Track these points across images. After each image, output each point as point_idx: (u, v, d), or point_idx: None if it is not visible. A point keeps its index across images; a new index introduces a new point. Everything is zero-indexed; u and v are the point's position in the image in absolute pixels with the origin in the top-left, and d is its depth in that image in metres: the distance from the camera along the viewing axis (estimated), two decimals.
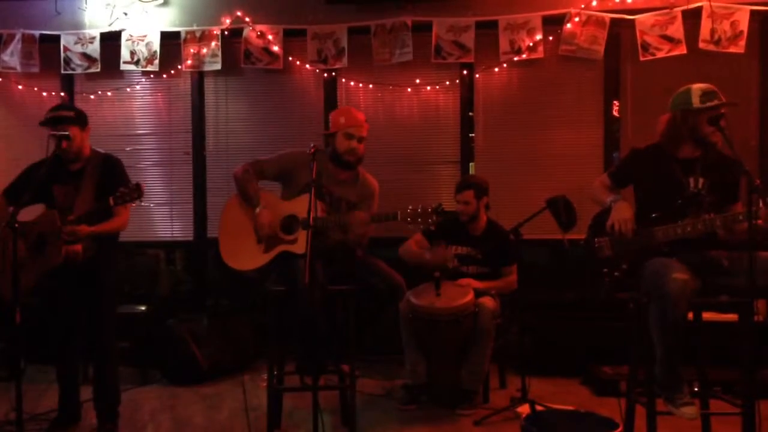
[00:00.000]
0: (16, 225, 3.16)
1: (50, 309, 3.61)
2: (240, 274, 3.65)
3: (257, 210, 3.63)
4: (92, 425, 3.69)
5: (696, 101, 3.05)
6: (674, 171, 3.10)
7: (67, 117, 3.55)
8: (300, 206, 3.54)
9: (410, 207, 3.36)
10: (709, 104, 3.03)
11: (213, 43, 5.34)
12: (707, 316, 3.20)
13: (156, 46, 5.38)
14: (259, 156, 3.85)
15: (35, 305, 3.58)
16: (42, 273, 3.48)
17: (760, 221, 2.75)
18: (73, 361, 3.72)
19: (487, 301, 3.95)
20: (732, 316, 2.99)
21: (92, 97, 5.58)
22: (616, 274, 3.10)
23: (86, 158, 3.63)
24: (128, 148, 5.51)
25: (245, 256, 3.62)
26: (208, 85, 5.59)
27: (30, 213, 3.53)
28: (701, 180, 3.06)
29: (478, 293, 3.97)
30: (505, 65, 5.23)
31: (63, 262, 3.43)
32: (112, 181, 3.57)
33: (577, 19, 5.01)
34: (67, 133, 3.47)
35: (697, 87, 3.09)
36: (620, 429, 2.88)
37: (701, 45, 4.86)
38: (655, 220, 3.04)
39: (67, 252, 3.43)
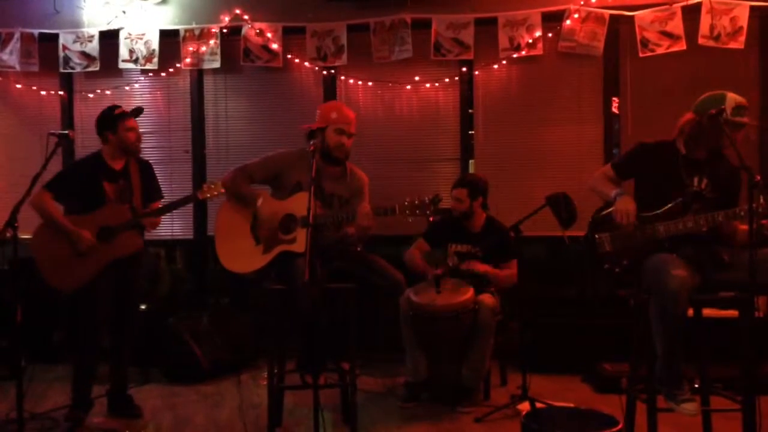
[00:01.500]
0: (15, 222, 3.23)
1: (90, 301, 3.69)
2: (240, 276, 3.65)
3: (258, 204, 3.63)
4: (93, 424, 3.70)
5: (729, 112, 2.99)
6: (680, 169, 3.10)
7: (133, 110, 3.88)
8: (296, 205, 3.54)
9: (407, 199, 3.36)
10: (738, 119, 2.99)
11: (212, 41, 5.34)
12: (708, 312, 3.19)
13: (155, 44, 5.38)
14: (258, 155, 3.85)
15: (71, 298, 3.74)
16: (107, 263, 3.67)
17: (764, 222, 2.75)
18: (97, 353, 3.77)
19: (487, 298, 3.95)
20: (732, 312, 2.99)
21: (91, 95, 5.58)
22: (616, 270, 3.10)
23: (133, 152, 3.89)
24: None
25: (245, 259, 3.61)
26: (208, 83, 5.59)
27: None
28: (705, 180, 3.07)
29: (479, 290, 3.97)
30: (504, 62, 5.23)
31: (135, 251, 3.75)
32: (152, 179, 3.97)
33: (576, 15, 5.01)
34: (66, 132, 3.55)
35: (732, 98, 3.02)
36: (620, 426, 2.88)
37: (701, 41, 4.86)
38: (656, 216, 3.04)
39: (141, 240, 3.80)
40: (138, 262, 3.88)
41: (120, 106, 3.87)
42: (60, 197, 3.78)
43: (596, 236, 3.17)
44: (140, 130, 3.90)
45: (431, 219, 3.58)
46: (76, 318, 3.75)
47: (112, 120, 3.77)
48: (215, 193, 3.74)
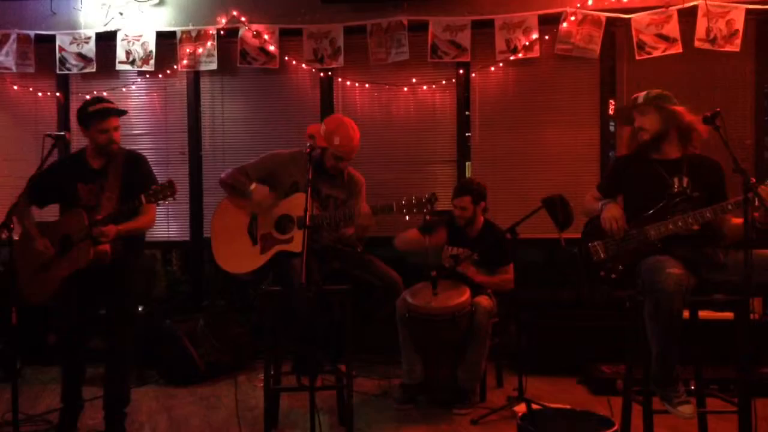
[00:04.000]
0: (11, 226, 3.15)
1: (64, 309, 3.48)
2: (237, 277, 3.65)
3: (252, 187, 3.61)
4: (88, 426, 3.69)
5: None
6: (658, 171, 3.12)
7: (116, 108, 3.57)
8: (292, 205, 3.54)
9: (405, 198, 3.37)
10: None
11: (209, 43, 5.34)
12: (703, 314, 3.20)
13: (151, 45, 5.37)
14: (254, 157, 3.85)
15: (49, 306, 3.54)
16: (68, 274, 3.40)
17: (756, 214, 2.75)
18: (81, 362, 3.59)
19: (484, 300, 3.96)
20: (728, 315, 3.00)
21: (88, 97, 5.49)
22: (613, 276, 3.11)
23: (110, 154, 3.56)
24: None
25: (242, 259, 3.61)
26: (204, 84, 5.58)
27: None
28: (685, 179, 3.09)
29: (475, 292, 3.98)
30: (501, 64, 5.23)
31: (90, 264, 3.35)
32: (138, 178, 3.52)
33: (573, 18, 5.01)
34: (63, 133, 3.48)
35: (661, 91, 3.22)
36: (616, 428, 2.89)
37: (697, 44, 4.86)
38: (645, 219, 3.06)
39: (96, 253, 3.36)
40: (129, 267, 3.54)
41: (101, 101, 3.59)
42: (35, 202, 3.59)
43: (590, 245, 3.19)
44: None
45: (428, 218, 3.59)
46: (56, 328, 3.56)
47: (85, 117, 3.51)
48: (161, 198, 3.33)
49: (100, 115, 3.49)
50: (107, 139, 3.49)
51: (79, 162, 3.57)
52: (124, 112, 3.61)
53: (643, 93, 3.24)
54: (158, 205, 3.43)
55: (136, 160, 3.62)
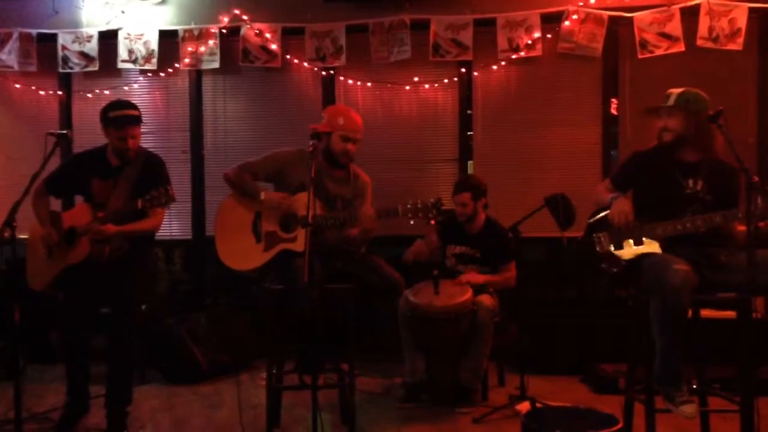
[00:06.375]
0: (13, 221, 3.15)
1: (68, 305, 3.52)
2: (240, 274, 3.65)
3: (262, 195, 3.62)
4: (90, 425, 3.69)
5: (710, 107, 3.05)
6: (674, 172, 3.10)
7: (135, 117, 3.59)
8: (298, 204, 3.54)
9: (410, 202, 3.36)
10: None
11: (211, 42, 5.34)
12: (706, 313, 3.20)
13: (154, 44, 5.38)
14: (256, 155, 3.84)
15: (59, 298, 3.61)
16: (64, 267, 3.49)
17: (762, 224, 2.75)
18: (85, 360, 3.57)
19: (486, 299, 3.95)
20: (730, 314, 2.99)
21: (90, 95, 5.58)
22: (614, 269, 3.10)
23: (126, 159, 3.63)
24: None
25: (245, 257, 3.61)
26: (206, 83, 5.59)
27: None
28: (700, 182, 3.07)
29: (477, 291, 3.97)
30: (503, 63, 5.23)
31: (84, 260, 3.46)
32: (152, 180, 3.55)
33: (575, 16, 5.01)
34: (65, 132, 3.50)
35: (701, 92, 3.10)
36: (621, 425, 2.89)
37: (699, 42, 4.86)
38: (654, 216, 3.05)
39: (92, 250, 3.45)
40: (134, 266, 3.59)
41: (122, 108, 3.59)
42: (53, 192, 3.72)
43: (594, 235, 3.18)
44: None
45: (432, 222, 3.58)
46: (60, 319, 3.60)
47: (105, 120, 3.58)
48: (156, 204, 3.41)
49: (119, 124, 3.54)
50: (123, 145, 3.57)
51: (99, 158, 3.65)
52: (140, 121, 3.63)
53: (678, 91, 3.11)
54: (167, 208, 3.55)
55: (153, 163, 3.70)
